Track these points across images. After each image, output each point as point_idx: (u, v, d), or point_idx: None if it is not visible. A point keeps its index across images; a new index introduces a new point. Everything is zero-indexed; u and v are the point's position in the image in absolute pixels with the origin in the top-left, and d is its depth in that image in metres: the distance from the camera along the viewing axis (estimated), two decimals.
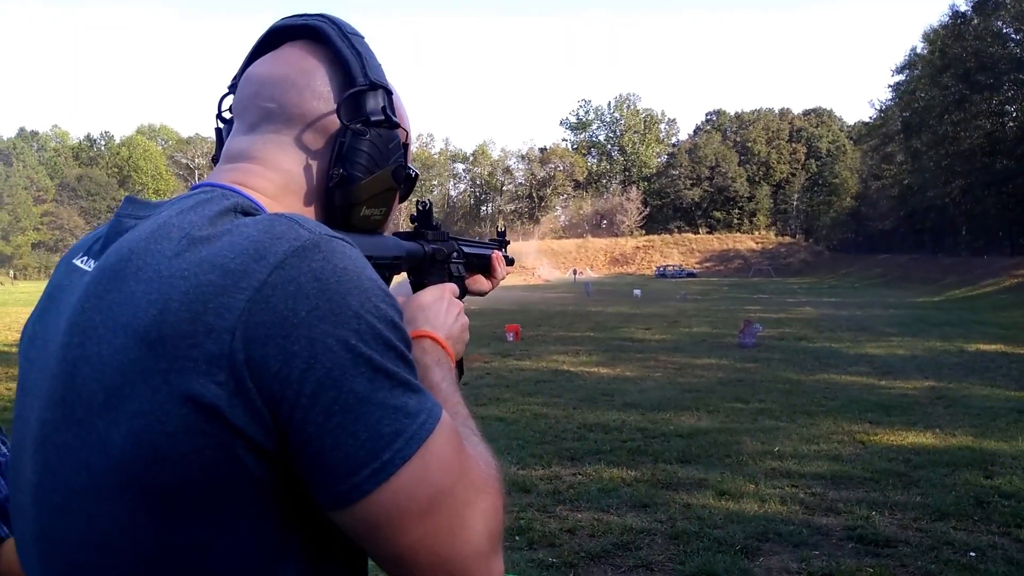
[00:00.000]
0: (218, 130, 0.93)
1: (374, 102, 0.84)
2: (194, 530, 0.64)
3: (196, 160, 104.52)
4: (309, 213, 0.83)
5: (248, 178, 0.81)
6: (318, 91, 0.83)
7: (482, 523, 0.68)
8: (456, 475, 0.67)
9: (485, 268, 1.19)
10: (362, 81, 0.83)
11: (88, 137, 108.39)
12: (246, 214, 0.72)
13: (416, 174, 0.93)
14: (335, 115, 0.83)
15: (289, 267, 0.64)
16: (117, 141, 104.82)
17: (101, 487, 0.64)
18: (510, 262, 1.30)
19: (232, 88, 0.90)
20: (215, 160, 0.90)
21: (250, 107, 0.84)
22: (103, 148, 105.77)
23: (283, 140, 0.83)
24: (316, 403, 0.62)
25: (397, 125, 0.87)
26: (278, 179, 0.82)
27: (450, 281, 1.05)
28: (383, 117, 0.85)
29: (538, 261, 79.05)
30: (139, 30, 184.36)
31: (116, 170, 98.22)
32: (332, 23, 0.86)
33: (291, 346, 0.62)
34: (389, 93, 0.87)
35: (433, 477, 0.65)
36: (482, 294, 1.20)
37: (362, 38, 0.87)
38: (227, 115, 0.91)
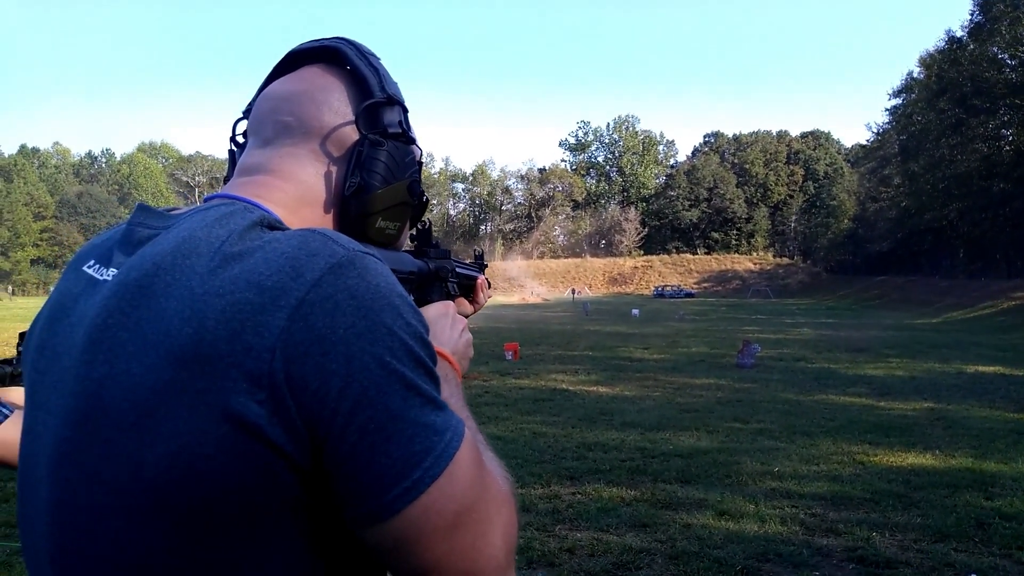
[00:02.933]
0: (231, 152, 0.93)
1: (391, 115, 0.87)
2: (228, 550, 0.63)
3: (197, 178, 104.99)
4: (326, 224, 0.84)
5: (264, 191, 0.81)
6: (335, 107, 0.85)
7: (501, 538, 0.69)
8: (478, 491, 0.68)
9: (468, 291, 1.20)
10: (380, 95, 0.85)
11: (89, 154, 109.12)
12: (272, 228, 0.71)
13: (427, 199, 0.95)
14: (352, 128, 0.84)
15: (326, 284, 0.64)
16: (118, 158, 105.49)
17: (132, 508, 0.63)
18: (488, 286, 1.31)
19: (246, 113, 0.91)
20: (226, 181, 0.91)
21: (266, 122, 0.85)
22: (104, 165, 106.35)
23: (299, 153, 0.83)
24: (352, 421, 0.62)
25: (413, 140, 0.89)
26: (294, 191, 0.82)
27: (445, 299, 1.06)
28: (400, 131, 0.87)
29: (526, 281, 78.59)
30: (142, 48, 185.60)
31: (116, 187, 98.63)
32: (349, 44, 0.88)
33: (329, 364, 0.62)
34: (405, 110, 0.89)
35: (458, 494, 0.66)
36: (464, 317, 1.20)
37: (378, 58, 0.90)
38: (240, 139, 0.92)
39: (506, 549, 0.69)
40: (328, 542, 0.68)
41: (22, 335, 1.49)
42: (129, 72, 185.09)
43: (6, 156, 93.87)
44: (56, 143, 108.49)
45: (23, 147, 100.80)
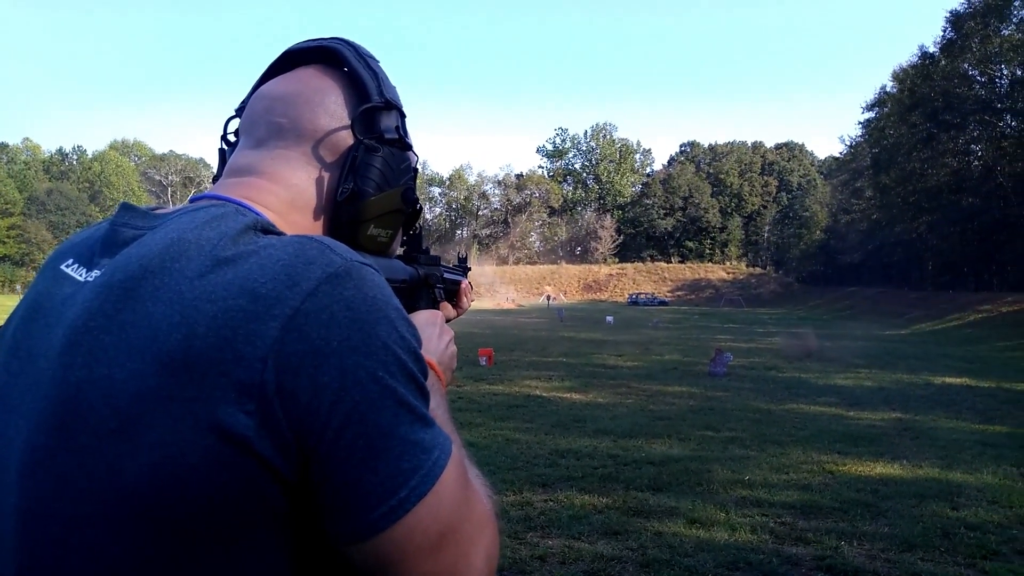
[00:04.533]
0: (222, 151, 0.91)
1: (388, 120, 0.85)
2: (208, 563, 0.61)
3: (170, 177, 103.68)
4: (316, 230, 0.82)
5: (254, 192, 0.79)
6: (331, 110, 0.83)
7: (483, 559, 0.68)
8: (463, 511, 0.67)
9: (452, 296, 1.19)
10: (378, 99, 0.83)
11: (60, 151, 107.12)
12: (266, 232, 0.70)
13: (421, 207, 0.94)
14: (347, 132, 0.83)
15: (322, 295, 0.63)
16: (90, 156, 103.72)
17: (110, 517, 0.61)
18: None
19: (239, 111, 0.89)
20: (216, 180, 0.89)
21: (259, 122, 0.83)
22: (75, 162, 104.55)
23: (292, 155, 0.81)
24: (342, 436, 0.61)
25: (410, 147, 0.87)
26: (285, 195, 0.80)
27: (432, 306, 1.05)
28: (397, 136, 0.85)
29: (499, 287, 77.79)
30: (115, 44, 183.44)
31: (87, 185, 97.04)
32: (348, 45, 0.86)
33: (322, 377, 0.61)
34: (403, 115, 0.87)
35: (443, 515, 0.65)
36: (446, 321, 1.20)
37: (377, 61, 0.88)
38: (232, 138, 0.90)
39: (487, 570, 0.69)
40: (311, 557, 0.67)
41: None
42: (103, 68, 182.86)
43: None
44: (26, 139, 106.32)
45: None
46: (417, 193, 0.91)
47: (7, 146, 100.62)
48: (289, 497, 0.63)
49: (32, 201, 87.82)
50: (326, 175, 0.82)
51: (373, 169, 0.82)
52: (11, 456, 0.67)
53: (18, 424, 0.68)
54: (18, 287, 75.01)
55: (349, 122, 0.83)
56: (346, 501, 0.62)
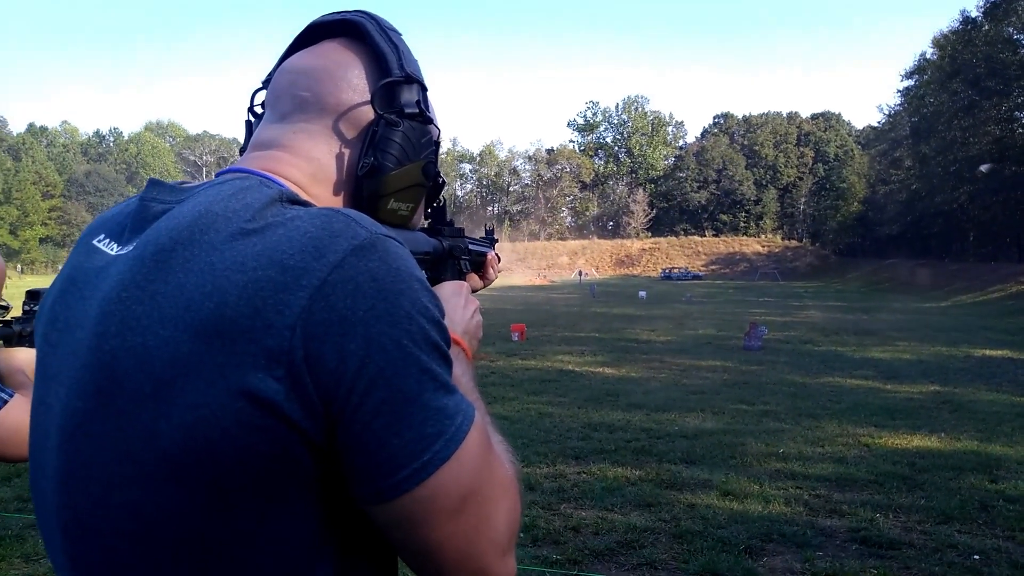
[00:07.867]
0: (248, 123, 0.93)
1: (409, 95, 0.85)
2: (242, 521, 0.64)
3: (204, 157, 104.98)
4: (337, 203, 0.84)
5: (278, 166, 0.81)
6: (353, 84, 0.84)
7: (504, 522, 0.70)
8: (485, 475, 0.69)
9: (479, 267, 1.20)
10: (398, 73, 0.84)
11: (97, 133, 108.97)
12: (292, 202, 0.71)
13: (444, 181, 0.95)
14: (368, 107, 0.83)
15: (348, 266, 0.64)
16: (126, 137, 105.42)
17: (147, 477, 0.64)
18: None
19: (265, 83, 0.90)
20: (243, 152, 0.90)
21: (284, 96, 0.85)
22: (112, 144, 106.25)
23: (314, 129, 0.83)
24: (367, 401, 0.63)
25: (431, 120, 0.88)
26: (307, 168, 0.82)
27: (458, 277, 1.06)
28: (417, 110, 0.85)
29: (523, 264, 76.81)
30: (150, 26, 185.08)
31: (124, 166, 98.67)
32: (370, 18, 0.87)
33: (348, 344, 0.63)
34: (424, 89, 0.88)
35: (465, 477, 0.67)
36: (472, 292, 1.21)
37: (399, 34, 0.88)
38: (259, 110, 0.91)
39: (508, 533, 0.71)
40: (341, 517, 0.69)
41: (29, 293, 1.53)
42: (137, 50, 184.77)
43: (15, 135, 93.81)
44: (64, 122, 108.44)
45: (31, 126, 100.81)
46: (440, 167, 0.92)
47: (47, 129, 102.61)
48: (317, 459, 0.65)
49: (72, 183, 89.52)
50: (347, 150, 0.83)
51: (393, 144, 0.83)
52: (52, 422, 0.72)
53: (57, 392, 0.72)
54: (60, 267, 76.72)
55: (370, 97, 0.83)
56: (372, 463, 0.64)
